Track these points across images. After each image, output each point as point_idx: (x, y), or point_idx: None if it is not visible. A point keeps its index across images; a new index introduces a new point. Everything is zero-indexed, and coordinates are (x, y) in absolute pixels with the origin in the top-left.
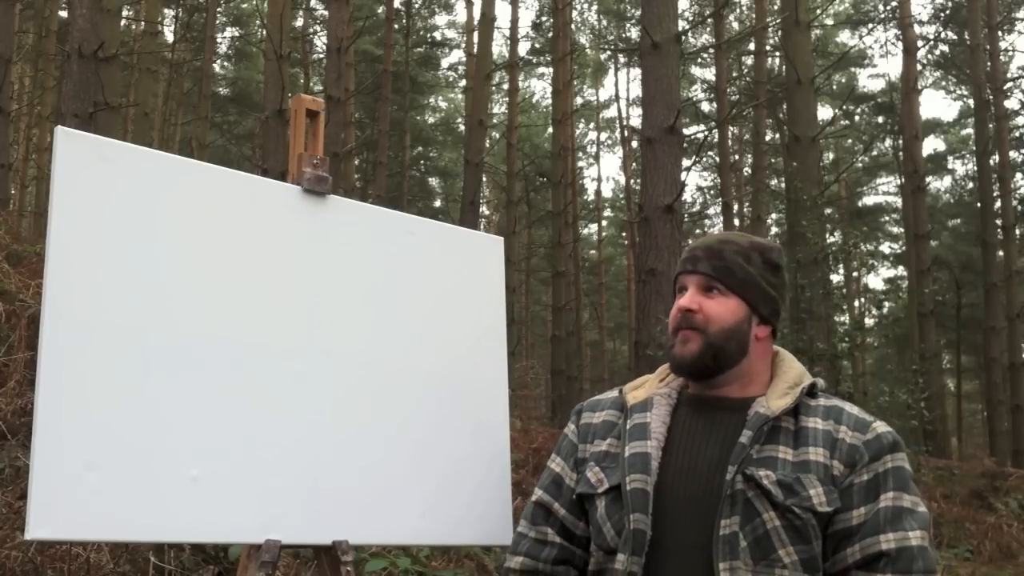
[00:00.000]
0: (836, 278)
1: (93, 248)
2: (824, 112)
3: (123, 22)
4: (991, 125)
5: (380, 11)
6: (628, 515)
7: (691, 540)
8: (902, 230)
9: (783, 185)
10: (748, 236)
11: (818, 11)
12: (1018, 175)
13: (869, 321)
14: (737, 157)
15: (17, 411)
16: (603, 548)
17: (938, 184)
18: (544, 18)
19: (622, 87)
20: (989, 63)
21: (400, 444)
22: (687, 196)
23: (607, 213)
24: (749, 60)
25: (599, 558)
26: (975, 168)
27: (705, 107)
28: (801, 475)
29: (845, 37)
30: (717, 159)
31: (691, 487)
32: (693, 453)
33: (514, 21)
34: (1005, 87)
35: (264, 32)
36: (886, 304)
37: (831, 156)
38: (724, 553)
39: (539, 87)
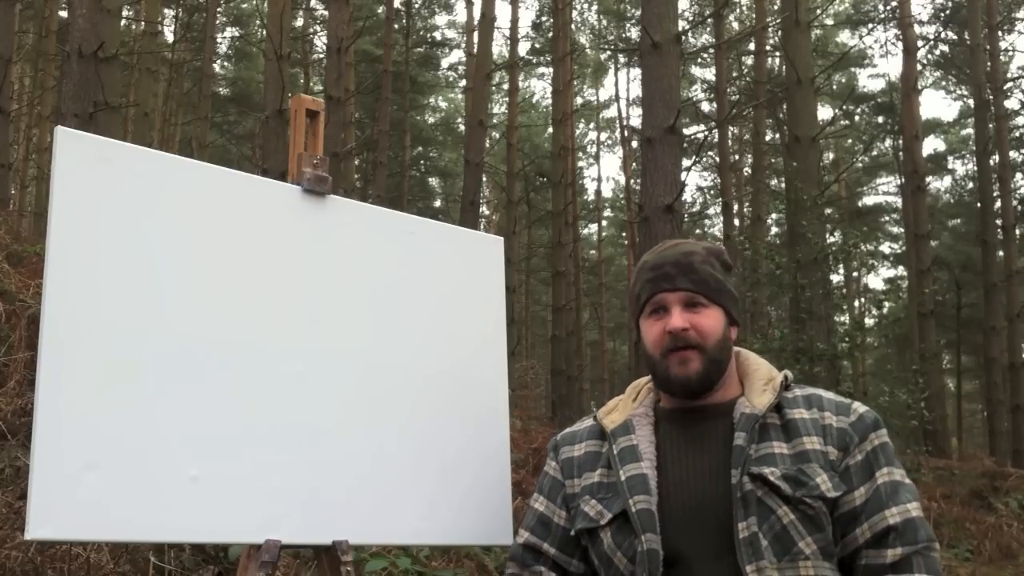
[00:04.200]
0: (836, 278)
1: (93, 248)
2: (824, 112)
3: (123, 22)
4: (991, 125)
5: (380, 11)
6: (640, 536)
7: (706, 551)
8: (902, 230)
9: (783, 185)
10: (697, 242)
11: (818, 11)
12: (1018, 175)
13: (869, 321)
14: (737, 157)
15: (17, 411)
16: None
17: (938, 184)
18: (544, 18)
19: (622, 87)
20: (989, 63)
21: (400, 444)
22: (687, 196)
23: (607, 213)
24: (749, 60)
25: None
26: (975, 168)
27: (705, 107)
28: (802, 465)
29: (845, 37)
30: (717, 159)
31: (692, 499)
32: (688, 466)
33: (514, 21)
34: (1005, 87)
35: (264, 32)
36: (886, 304)
37: (831, 156)
38: (748, 555)
39: (539, 87)
